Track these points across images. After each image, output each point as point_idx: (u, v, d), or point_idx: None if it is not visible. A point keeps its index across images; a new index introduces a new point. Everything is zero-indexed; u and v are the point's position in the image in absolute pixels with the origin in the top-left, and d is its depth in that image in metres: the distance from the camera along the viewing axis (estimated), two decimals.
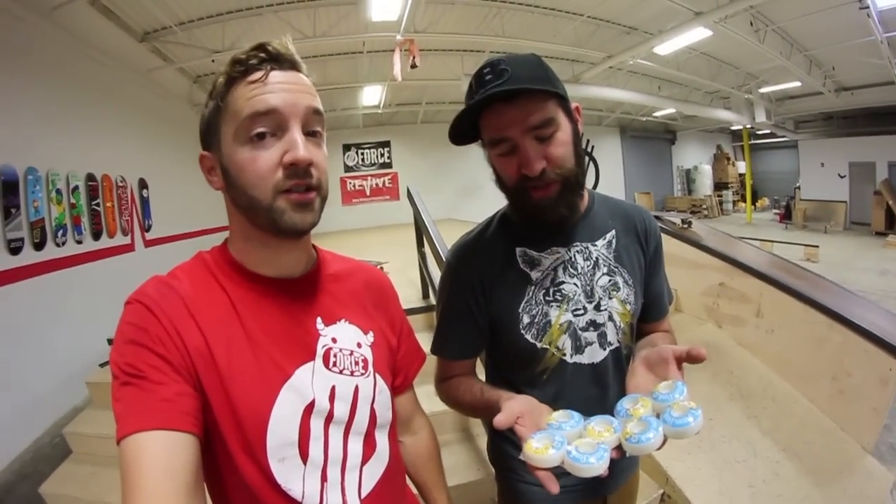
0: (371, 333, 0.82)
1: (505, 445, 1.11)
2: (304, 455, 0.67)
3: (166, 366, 0.61)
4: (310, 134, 0.71)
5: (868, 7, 6.95)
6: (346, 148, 13.24)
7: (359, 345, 0.78)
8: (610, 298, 0.99)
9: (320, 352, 0.73)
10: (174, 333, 0.63)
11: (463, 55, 8.76)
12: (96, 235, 4.24)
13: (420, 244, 3.94)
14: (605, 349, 1.01)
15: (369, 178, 13.47)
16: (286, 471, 0.66)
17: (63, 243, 3.74)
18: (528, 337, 0.98)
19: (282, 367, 0.69)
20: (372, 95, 10.64)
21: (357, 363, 0.77)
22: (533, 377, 1.00)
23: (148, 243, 5.26)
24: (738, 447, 2.25)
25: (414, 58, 6.68)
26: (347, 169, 13.27)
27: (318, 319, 0.76)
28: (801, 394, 2.52)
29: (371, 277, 0.91)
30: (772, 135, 15.97)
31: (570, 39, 7.68)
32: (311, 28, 6.13)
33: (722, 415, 2.49)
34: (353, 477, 0.72)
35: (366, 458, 0.74)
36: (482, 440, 2.43)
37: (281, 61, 0.70)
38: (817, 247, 9.23)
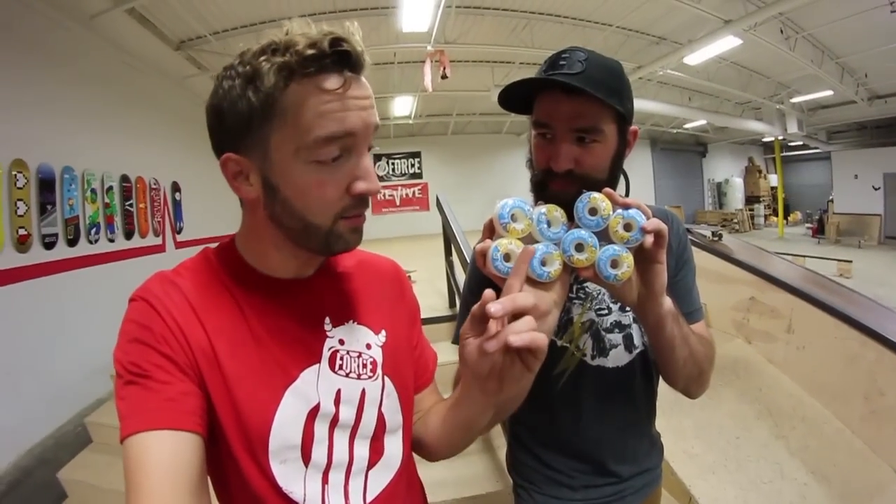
0: (383, 333, 0.78)
1: (524, 456, 1.09)
2: (306, 458, 0.66)
3: (171, 365, 0.60)
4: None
5: None
6: (377, 158, 13.42)
7: (368, 346, 0.75)
8: None
9: (326, 354, 0.71)
10: (178, 332, 0.61)
11: (493, 66, 8.81)
12: (128, 235, 4.37)
13: (448, 253, 3.95)
14: (630, 352, 0.98)
15: (399, 188, 13.61)
16: (287, 473, 0.65)
17: (96, 241, 3.88)
18: None
19: (286, 369, 0.67)
20: (403, 106, 10.75)
21: (365, 366, 0.74)
22: (550, 379, 0.98)
23: (179, 245, 5.41)
24: (765, 468, 2.19)
25: (444, 69, 6.74)
26: (378, 179, 13.43)
27: (327, 320, 0.73)
28: (832, 413, 2.43)
29: (384, 270, 0.87)
30: (804, 146, 15.59)
31: (600, 49, 7.46)
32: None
33: (749, 434, 2.42)
34: (357, 481, 0.70)
35: (372, 462, 0.72)
36: (502, 452, 2.41)
37: (357, 67, 0.60)
38: (851, 262, 8.94)
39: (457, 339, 1.02)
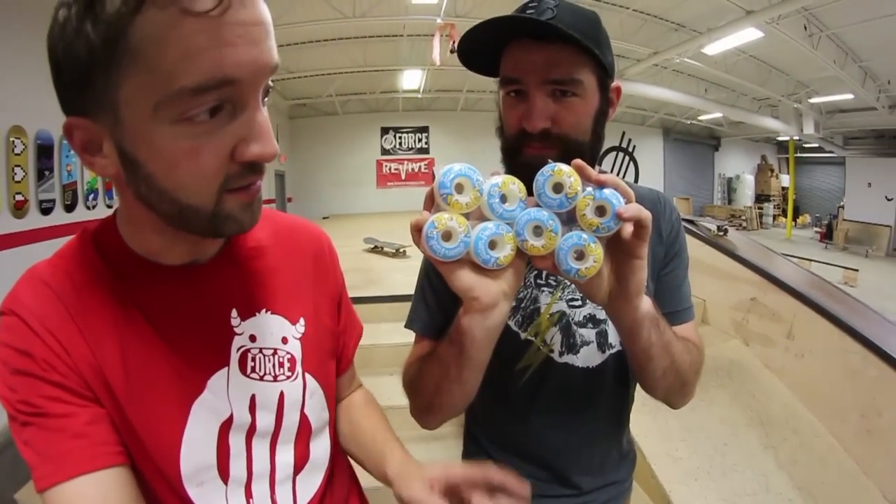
0: (302, 321, 0.66)
1: (478, 456, 0.98)
2: (224, 474, 0.58)
3: (65, 393, 0.50)
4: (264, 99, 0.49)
5: None
6: (384, 131, 13.39)
7: (284, 340, 0.64)
8: None
9: (235, 355, 0.60)
10: (61, 351, 0.51)
11: None
12: None
13: None
14: (604, 352, 0.86)
15: (406, 162, 13.62)
16: (206, 494, 0.57)
17: (94, 206, 3.88)
18: (511, 324, 0.84)
19: (190, 379, 0.57)
20: (412, 79, 10.68)
21: (281, 364, 0.63)
22: (511, 375, 0.87)
23: None
24: (750, 479, 2.13)
25: (454, 42, 6.60)
26: (384, 152, 13.42)
27: (234, 313, 0.60)
28: (826, 428, 2.36)
29: (305, 243, 0.72)
30: (819, 149, 15.45)
31: (616, 32, 7.47)
32: (350, 8, 6.12)
33: (737, 441, 2.36)
34: (285, 489, 0.63)
35: (298, 467, 0.64)
36: (458, 442, 2.34)
37: None
38: (857, 271, 8.89)
39: (409, 324, 0.92)
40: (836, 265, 9.27)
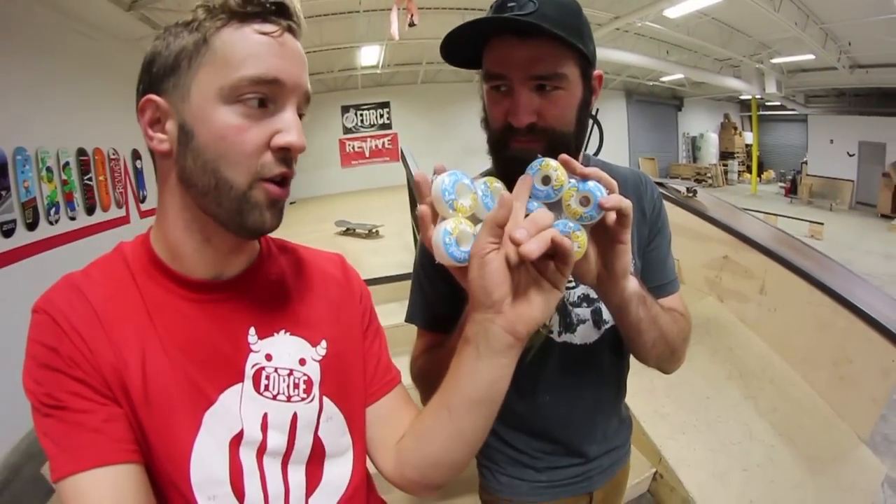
0: (323, 344, 0.67)
1: (487, 436, 1.05)
2: (238, 492, 0.58)
3: (87, 390, 0.54)
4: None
5: None
6: (345, 109, 13.06)
7: (302, 362, 0.65)
8: None
9: (249, 372, 0.61)
10: (86, 351, 0.54)
11: (464, 13, 8.44)
12: (90, 210, 4.16)
13: (413, 207, 3.87)
14: (599, 328, 0.91)
15: (368, 139, 13.33)
16: None
17: (56, 221, 3.67)
18: None
19: (203, 390, 0.58)
20: (370, 55, 10.40)
21: (296, 386, 0.64)
22: None
23: (143, 214, 5.19)
24: (734, 428, 2.24)
25: (412, 16, 6.43)
26: (346, 131, 13.14)
27: (252, 331, 0.63)
28: (801, 377, 2.49)
29: (327, 269, 0.75)
30: (781, 107, 15.60)
31: None
32: None
33: (719, 393, 2.47)
34: None
35: (310, 489, 0.64)
36: None
37: (297, 25, 0.59)
38: (822, 224, 9.10)
39: (410, 318, 0.98)
40: (802, 219, 9.44)
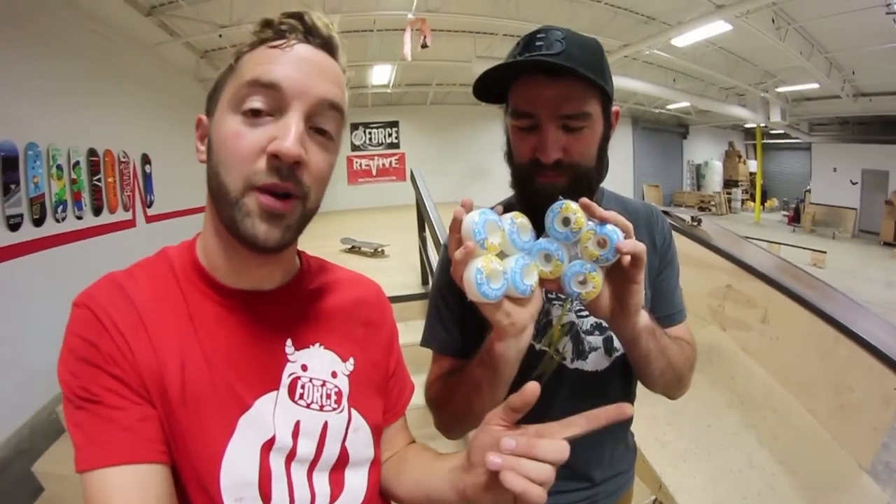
0: (351, 361, 0.70)
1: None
2: (265, 497, 0.59)
3: (123, 387, 0.54)
4: (317, 130, 0.60)
5: (895, 12, 6.76)
6: (354, 127, 13.15)
7: (333, 374, 0.68)
8: None
9: (286, 381, 0.63)
10: (126, 350, 0.55)
11: (475, 37, 8.59)
12: (97, 211, 4.19)
13: (421, 228, 3.89)
14: (610, 356, 0.93)
15: (376, 157, 13.39)
16: None
17: (63, 219, 3.69)
18: None
19: (240, 395, 0.60)
20: (381, 74, 10.52)
21: (329, 396, 0.66)
22: (525, 384, 0.94)
23: (149, 219, 5.22)
24: (734, 456, 2.24)
25: (425, 37, 6.55)
26: (354, 148, 13.21)
27: (289, 342, 0.65)
28: (802, 405, 2.49)
29: (362, 293, 0.78)
30: (785, 135, 15.73)
31: (587, 26, 7.49)
32: (320, 3, 6.02)
33: (720, 422, 2.47)
34: None
35: (334, 496, 0.65)
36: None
37: (314, 36, 0.61)
38: (825, 252, 9.12)
39: (427, 343, 0.99)
40: (804, 248, 9.49)
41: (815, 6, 7.09)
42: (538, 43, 0.75)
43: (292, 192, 0.58)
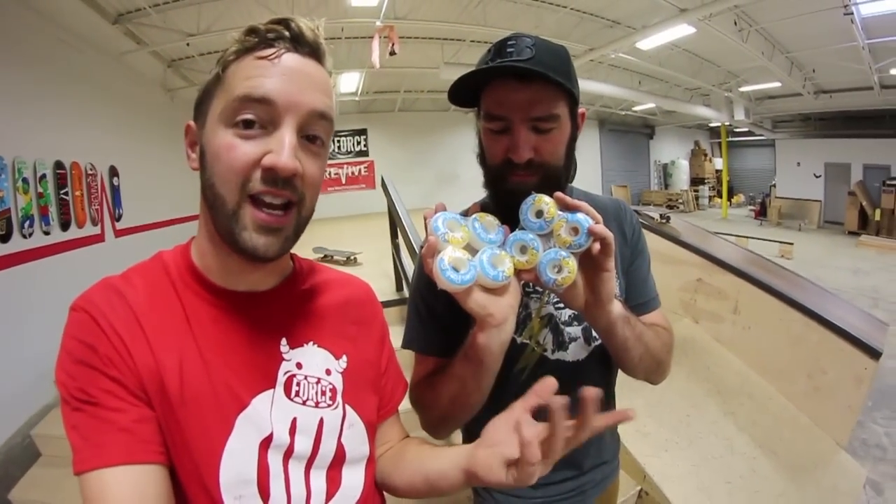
0: (344, 358, 0.71)
1: None
2: (264, 494, 0.60)
3: (121, 389, 0.55)
4: (308, 139, 0.61)
5: (852, 13, 7.08)
6: None
7: (328, 371, 0.69)
8: None
9: (281, 379, 0.64)
10: (124, 352, 0.56)
11: (443, 43, 8.65)
12: (65, 226, 4.06)
13: (394, 235, 3.89)
14: (589, 345, 0.95)
15: (345, 166, 13.28)
16: None
17: (30, 234, 3.56)
18: None
19: (237, 394, 0.61)
20: (349, 82, 10.49)
21: (323, 393, 0.67)
22: (510, 376, 0.93)
23: (119, 233, 5.08)
24: (715, 443, 2.28)
25: (393, 45, 6.56)
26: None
27: (283, 341, 0.67)
28: (778, 390, 2.56)
29: (353, 292, 0.80)
30: (749, 133, 16.25)
31: (553, 31, 7.61)
32: (288, 11, 5.96)
33: (699, 411, 2.51)
34: None
35: (330, 494, 0.66)
36: (457, 437, 2.39)
37: (301, 44, 0.61)
38: (792, 244, 9.40)
39: (408, 344, 1.00)
40: (772, 240, 9.73)
41: (776, 8, 7.35)
42: (509, 49, 0.79)
43: (290, 198, 0.60)
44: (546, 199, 0.69)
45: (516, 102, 0.79)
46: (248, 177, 0.58)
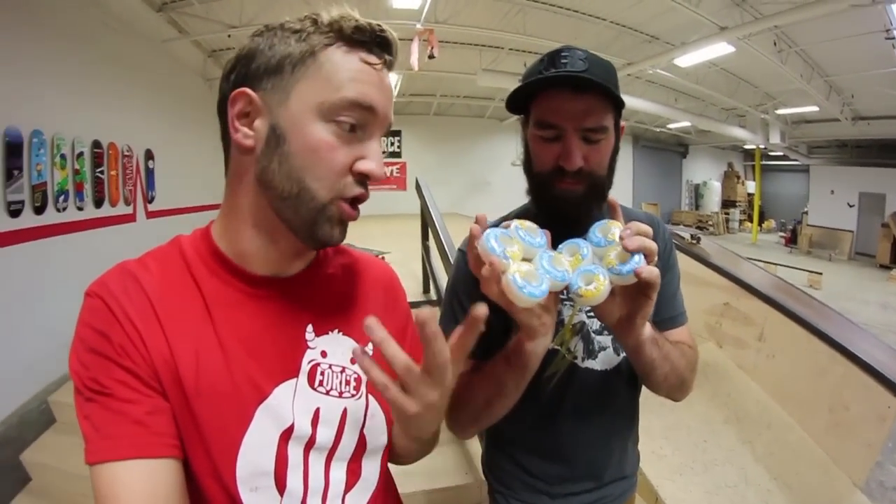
0: (370, 346, 0.66)
1: (502, 460, 1.06)
2: (280, 485, 0.59)
3: (134, 380, 0.54)
4: None
5: (894, 38, 6.89)
6: None
7: (352, 360, 0.66)
8: None
9: (305, 368, 0.63)
10: (138, 341, 0.55)
11: (481, 50, 8.70)
12: (98, 203, 4.19)
13: (425, 237, 3.90)
14: (619, 354, 0.96)
15: None
16: (260, 501, 0.58)
17: (64, 209, 3.68)
18: None
19: (258, 384, 0.59)
20: None
21: (348, 382, 0.66)
22: (539, 383, 0.92)
23: (150, 214, 5.21)
24: (730, 472, 2.23)
25: (432, 48, 6.62)
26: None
27: (309, 328, 0.65)
28: (797, 422, 2.49)
29: (378, 275, 0.79)
30: (784, 157, 15.91)
31: (591, 43, 7.58)
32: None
33: (716, 437, 2.47)
34: None
35: (349, 485, 0.65)
36: (473, 443, 2.40)
37: (394, 59, 0.63)
38: (821, 274, 9.19)
39: None
40: (801, 269, 9.58)
41: (816, 30, 7.22)
42: (563, 60, 0.82)
43: (365, 199, 0.62)
44: (618, 225, 0.70)
45: (571, 112, 0.82)
46: (343, 179, 0.59)
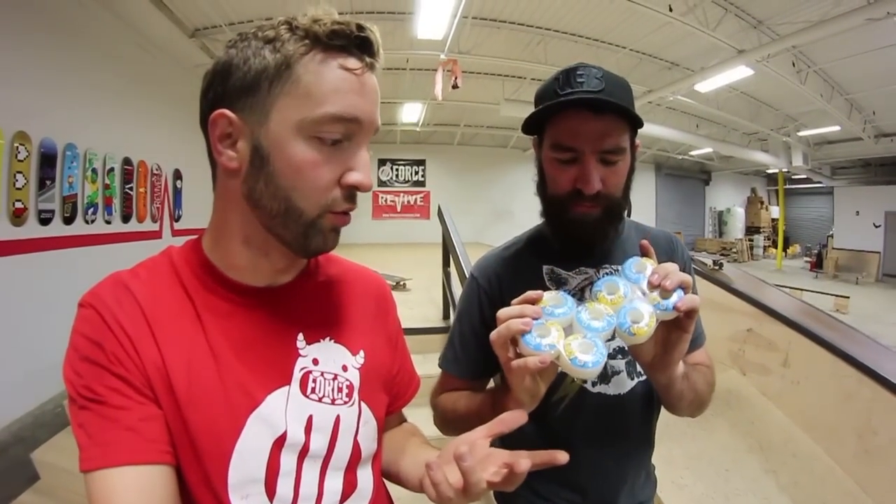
0: (361, 354, 0.70)
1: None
2: (270, 492, 0.58)
3: (127, 387, 0.54)
4: None
5: None
6: (382, 162, 13.45)
7: (344, 368, 0.67)
8: None
9: (297, 375, 0.62)
10: (131, 349, 0.55)
11: (504, 80, 8.85)
12: (126, 218, 4.34)
13: (446, 263, 3.93)
14: (633, 379, 0.93)
15: (402, 194, 13.62)
16: None
17: (92, 221, 3.83)
18: None
19: (250, 392, 0.59)
20: (411, 112, 10.80)
21: (340, 390, 0.65)
22: (548, 406, 0.91)
23: (175, 232, 5.36)
24: (753, 502, 2.15)
25: (456, 78, 6.73)
26: (381, 183, 13.48)
27: (300, 336, 0.64)
28: (824, 450, 2.40)
29: (369, 285, 0.79)
30: (807, 180, 15.67)
31: (612, 71, 7.64)
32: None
33: (739, 466, 2.39)
34: None
35: (345, 495, 0.64)
36: None
37: (375, 59, 0.59)
38: (848, 298, 8.94)
39: (444, 364, 1.01)
40: (827, 293, 9.33)
41: (833, 48, 7.18)
42: (579, 79, 0.80)
43: (354, 208, 0.62)
44: (652, 262, 0.69)
45: (588, 134, 0.80)
46: (331, 194, 0.58)
